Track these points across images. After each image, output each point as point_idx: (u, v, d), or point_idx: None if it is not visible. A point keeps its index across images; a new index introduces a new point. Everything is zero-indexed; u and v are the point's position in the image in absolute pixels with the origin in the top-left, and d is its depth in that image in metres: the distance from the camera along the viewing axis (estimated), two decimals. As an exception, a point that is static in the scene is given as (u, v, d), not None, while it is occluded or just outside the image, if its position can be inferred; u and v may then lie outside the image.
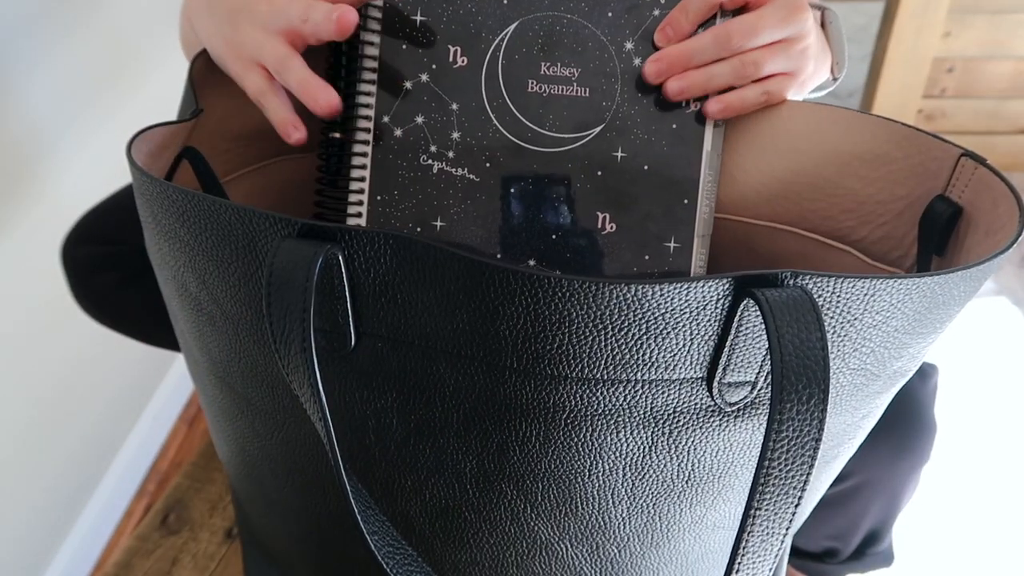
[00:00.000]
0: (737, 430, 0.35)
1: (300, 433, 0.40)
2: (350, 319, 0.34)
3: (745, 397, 0.34)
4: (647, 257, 0.47)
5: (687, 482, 0.37)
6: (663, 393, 0.33)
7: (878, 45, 1.75)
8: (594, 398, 0.33)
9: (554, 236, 0.47)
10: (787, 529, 0.31)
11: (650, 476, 0.36)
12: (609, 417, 0.34)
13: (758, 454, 0.32)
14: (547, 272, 0.30)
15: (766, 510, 0.30)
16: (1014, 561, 1.08)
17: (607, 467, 0.35)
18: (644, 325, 0.31)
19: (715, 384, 0.33)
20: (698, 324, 0.31)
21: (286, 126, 0.45)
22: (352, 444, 0.39)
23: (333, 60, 0.47)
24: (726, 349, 0.32)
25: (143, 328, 0.75)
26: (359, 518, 0.34)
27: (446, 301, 0.32)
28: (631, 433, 0.34)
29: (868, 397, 0.37)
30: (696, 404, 0.34)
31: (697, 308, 0.31)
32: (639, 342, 0.31)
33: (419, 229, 0.47)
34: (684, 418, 0.34)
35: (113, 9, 1.14)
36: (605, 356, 0.32)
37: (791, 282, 0.30)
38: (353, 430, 0.38)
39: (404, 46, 0.46)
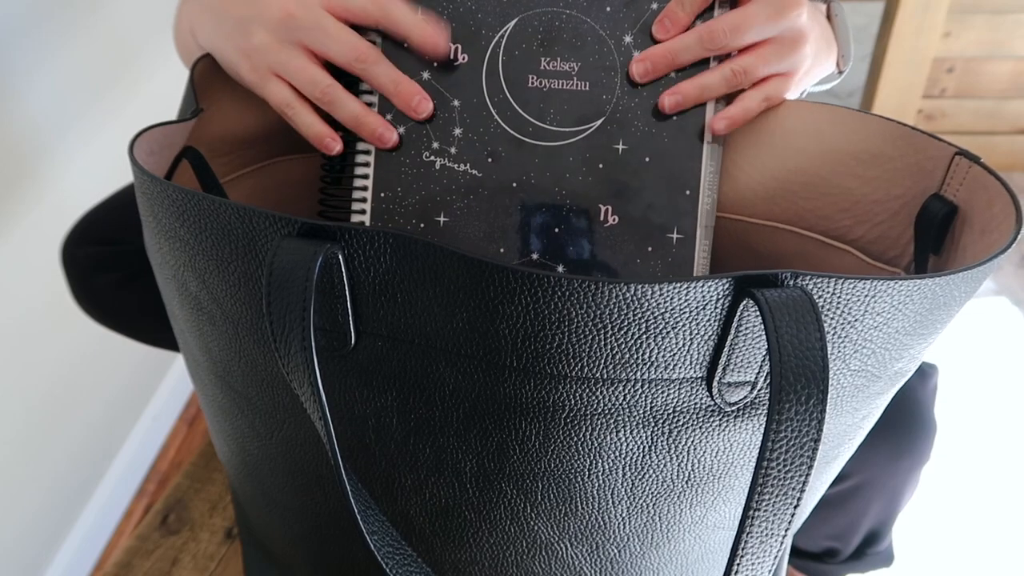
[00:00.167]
0: (737, 430, 0.35)
1: (300, 433, 0.40)
2: (350, 318, 0.34)
3: (745, 397, 0.34)
4: (650, 249, 0.47)
5: (687, 482, 0.37)
6: (663, 393, 0.33)
7: (878, 45, 1.75)
8: (594, 397, 0.33)
9: (557, 229, 0.47)
10: (786, 529, 0.31)
11: (650, 476, 0.36)
12: (609, 416, 0.34)
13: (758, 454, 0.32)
14: (547, 272, 0.30)
15: (765, 510, 0.30)
16: (1014, 561, 1.08)
17: (607, 467, 0.35)
18: (644, 324, 0.31)
19: (715, 384, 0.33)
20: (698, 324, 0.31)
21: (323, 139, 0.46)
22: (352, 443, 0.39)
23: None
24: (726, 349, 0.32)
25: (143, 328, 0.75)
26: (359, 518, 0.34)
27: (446, 300, 0.32)
28: (631, 433, 0.34)
29: (868, 398, 0.37)
30: (696, 404, 0.34)
31: (697, 308, 0.31)
32: (639, 341, 0.31)
33: (422, 225, 0.47)
34: (684, 418, 0.34)
35: (113, 10, 1.14)
36: (605, 355, 0.32)
37: (791, 283, 0.30)
38: (353, 429, 0.38)
39: (405, 44, 0.46)
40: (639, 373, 0.32)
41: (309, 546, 0.48)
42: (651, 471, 0.36)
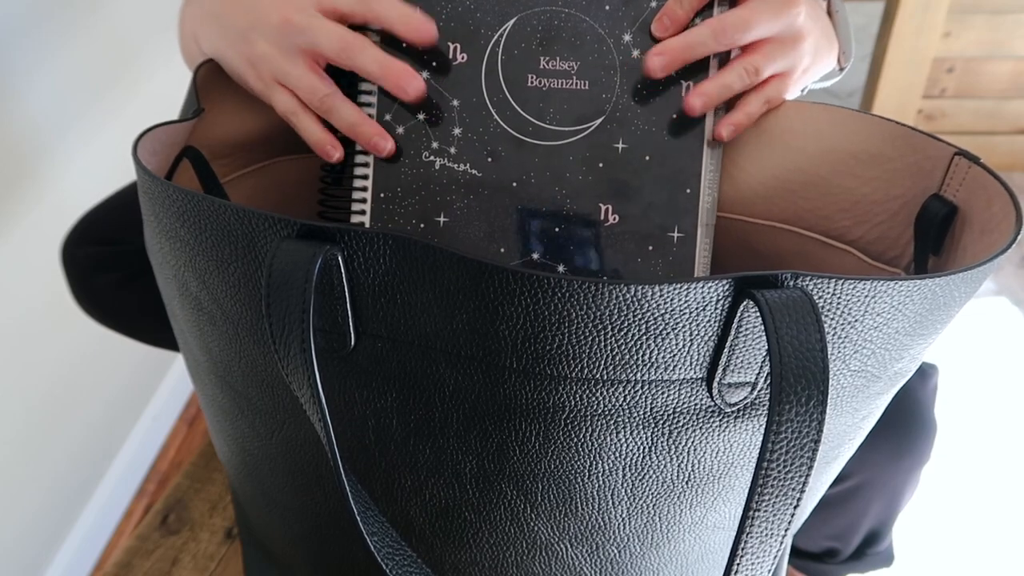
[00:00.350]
0: (737, 431, 0.35)
1: (300, 433, 0.40)
2: (349, 319, 0.34)
3: (745, 398, 0.34)
4: (651, 248, 0.47)
5: (687, 483, 0.37)
6: (663, 393, 0.33)
7: (878, 45, 1.75)
8: (594, 398, 0.33)
9: (557, 229, 0.47)
10: (786, 530, 0.31)
11: (650, 476, 0.36)
12: (609, 417, 0.34)
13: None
14: (546, 273, 0.30)
15: (765, 511, 0.30)
16: (1014, 561, 1.08)
17: (607, 467, 0.35)
18: (644, 325, 0.31)
19: (715, 384, 0.33)
20: (698, 325, 0.31)
21: (324, 146, 0.46)
22: (352, 444, 0.39)
23: None
24: (726, 350, 0.32)
25: (143, 328, 0.75)
26: (358, 518, 0.34)
27: (446, 301, 0.32)
28: (631, 433, 0.34)
29: (868, 398, 0.37)
30: (696, 404, 0.34)
31: (697, 309, 0.31)
32: (639, 342, 0.31)
33: (423, 226, 0.47)
34: (684, 418, 0.34)
35: (113, 10, 1.14)
36: (605, 356, 0.32)
37: (791, 283, 0.30)
38: (353, 430, 0.38)
39: (404, 44, 0.46)
40: (639, 374, 0.32)
41: (309, 546, 0.48)
42: (651, 472, 0.36)
